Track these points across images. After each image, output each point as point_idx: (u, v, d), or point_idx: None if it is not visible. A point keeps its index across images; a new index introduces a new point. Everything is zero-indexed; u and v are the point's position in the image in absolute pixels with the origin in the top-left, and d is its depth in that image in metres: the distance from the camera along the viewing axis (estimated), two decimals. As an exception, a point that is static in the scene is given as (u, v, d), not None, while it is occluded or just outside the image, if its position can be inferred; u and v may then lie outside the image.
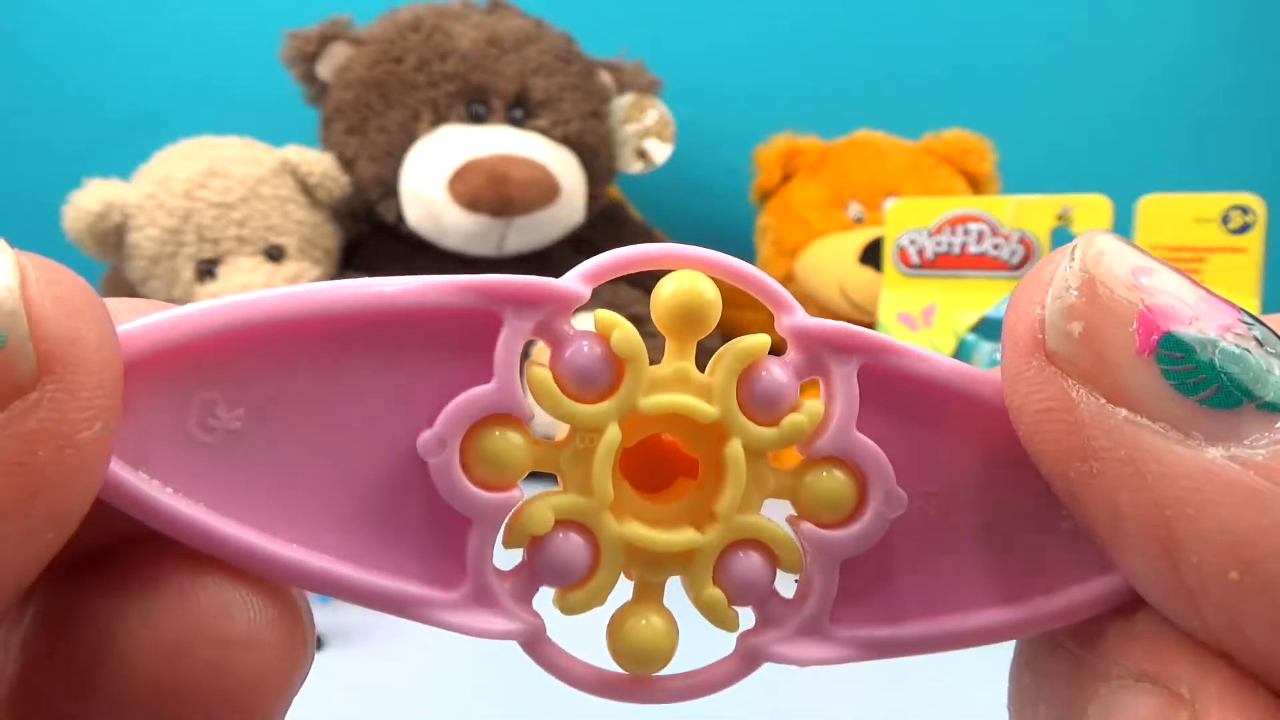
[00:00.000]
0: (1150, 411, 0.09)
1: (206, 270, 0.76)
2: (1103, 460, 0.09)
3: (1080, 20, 1.02)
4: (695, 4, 1.05)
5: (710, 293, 0.13)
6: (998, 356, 0.43)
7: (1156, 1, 1.01)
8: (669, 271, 0.12)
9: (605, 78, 0.89)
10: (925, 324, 0.53)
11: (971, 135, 0.89)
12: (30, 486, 0.08)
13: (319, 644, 0.44)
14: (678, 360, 0.13)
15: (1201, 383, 0.09)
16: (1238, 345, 0.09)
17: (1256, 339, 0.09)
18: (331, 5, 0.87)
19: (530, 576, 0.11)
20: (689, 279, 0.13)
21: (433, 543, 0.11)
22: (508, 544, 0.11)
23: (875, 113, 0.95)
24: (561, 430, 0.12)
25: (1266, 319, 0.10)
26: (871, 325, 0.57)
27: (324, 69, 0.84)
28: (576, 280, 0.12)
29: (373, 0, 0.87)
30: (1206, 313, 0.09)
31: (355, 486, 0.11)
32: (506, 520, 0.11)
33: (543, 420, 0.12)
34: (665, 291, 0.13)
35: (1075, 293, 0.10)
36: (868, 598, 0.12)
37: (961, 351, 0.53)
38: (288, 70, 0.84)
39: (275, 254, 0.77)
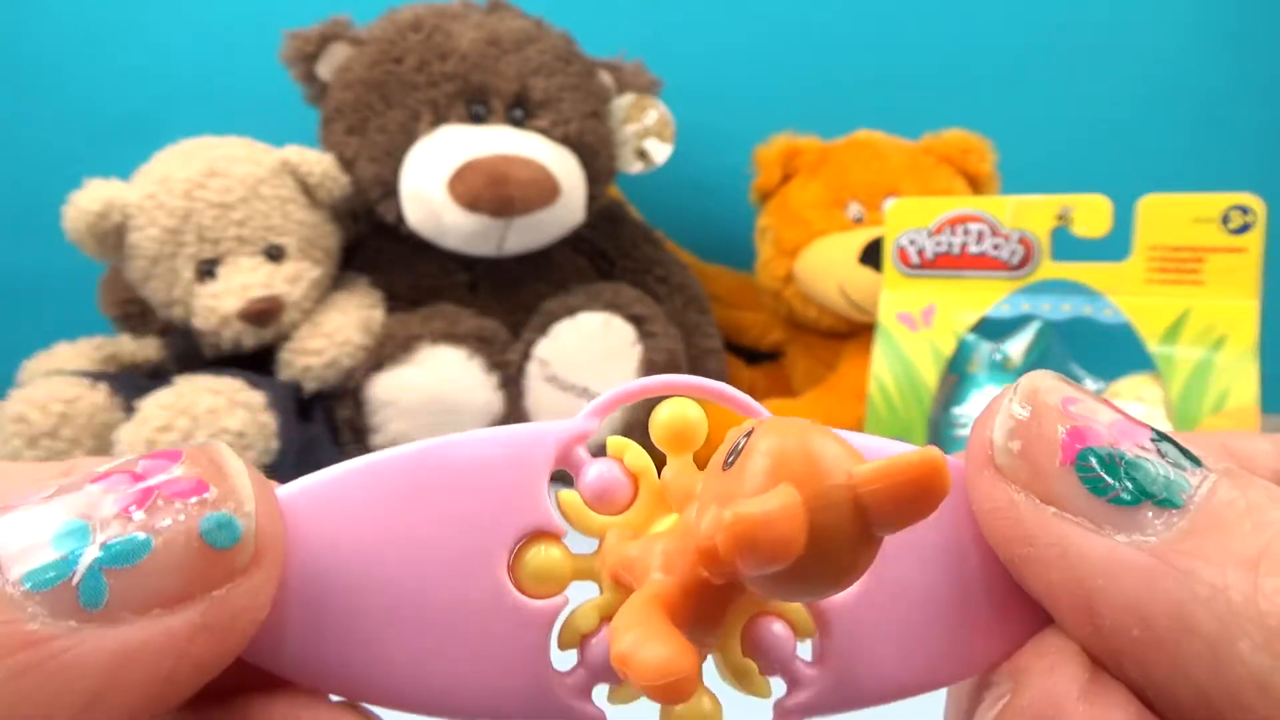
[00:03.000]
0: (1072, 509, 0.12)
1: (206, 270, 0.76)
2: (1038, 547, 0.12)
3: (1080, 20, 1.02)
4: (695, 4, 1.05)
5: (696, 415, 0.14)
6: (997, 357, 0.43)
7: (1156, 1, 1.01)
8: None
9: (605, 78, 0.89)
10: (925, 324, 0.53)
11: (971, 135, 0.88)
12: (225, 649, 0.10)
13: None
14: (678, 471, 0.14)
15: (1109, 486, 0.12)
16: (1139, 456, 0.12)
17: (1159, 451, 0.12)
18: (331, 5, 0.87)
19: (586, 674, 0.13)
20: (679, 406, 0.14)
21: (504, 652, 0.12)
22: (562, 646, 0.13)
23: (875, 113, 0.95)
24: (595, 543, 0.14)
25: (1180, 436, 0.12)
26: (872, 325, 0.57)
27: (324, 69, 0.84)
28: (586, 418, 0.14)
29: (373, 0, 0.87)
30: (1120, 433, 0.12)
31: (438, 617, 0.12)
32: (559, 625, 0.13)
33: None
34: (661, 417, 0.14)
35: (1016, 419, 0.13)
36: (877, 650, 0.13)
37: (962, 351, 0.53)
38: (288, 70, 0.84)
39: (275, 254, 0.77)
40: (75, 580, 0.09)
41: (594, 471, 0.13)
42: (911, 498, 0.10)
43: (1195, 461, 0.12)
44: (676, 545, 0.12)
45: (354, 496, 0.12)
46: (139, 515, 0.10)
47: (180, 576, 0.10)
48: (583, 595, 0.13)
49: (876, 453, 0.13)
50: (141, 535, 0.10)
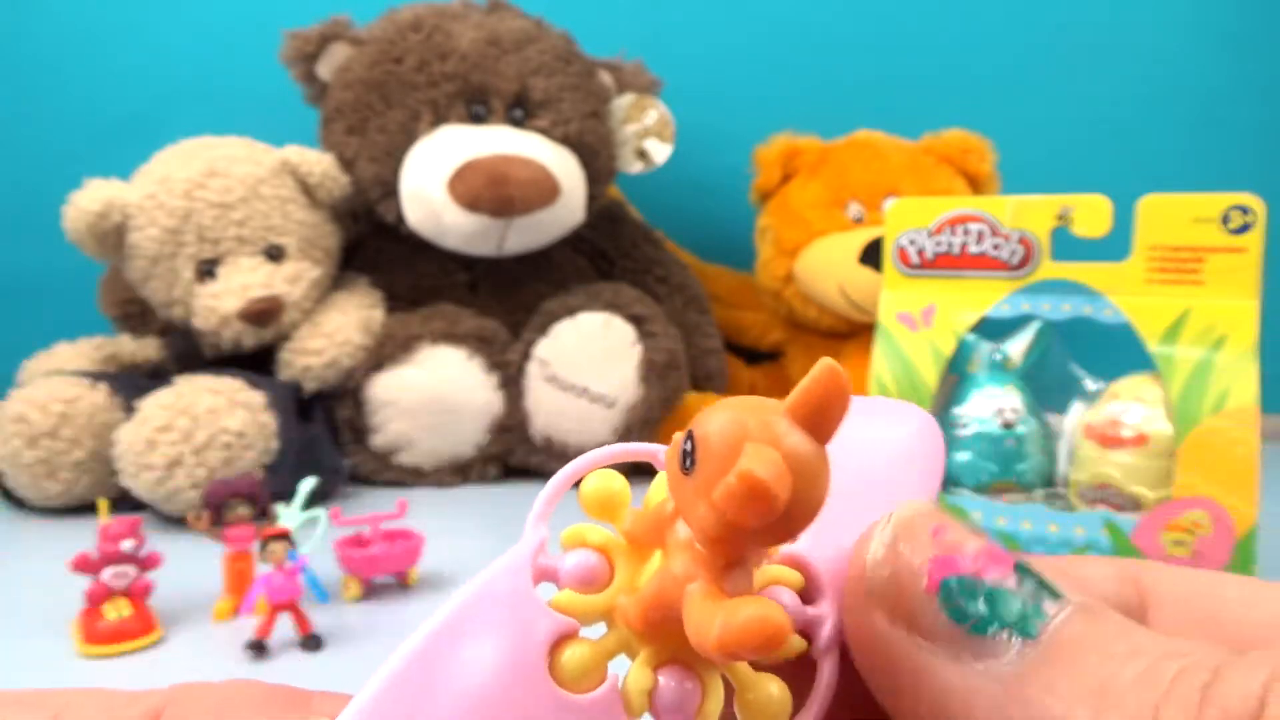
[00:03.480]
0: (934, 637, 0.12)
1: (207, 270, 0.76)
2: (901, 673, 0.12)
3: (1080, 20, 1.02)
4: (695, 4, 1.05)
5: (619, 484, 0.15)
6: (997, 357, 0.42)
7: (1156, 1, 1.01)
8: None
9: (605, 78, 0.89)
10: (925, 324, 0.53)
11: (971, 135, 0.88)
12: None
13: (319, 643, 0.44)
14: (635, 519, 0.15)
15: (968, 614, 0.12)
16: (999, 586, 0.12)
17: (1019, 581, 0.12)
18: (331, 5, 0.87)
19: None
20: (601, 478, 0.15)
21: None
22: (636, 714, 0.13)
23: (875, 113, 0.95)
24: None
25: (1043, 565, 0.13)
26: (872, 325, 0.57)
27: (324, 69, 0.84)
28: (534, 529, 0.15)
29: (373, 0, 0.87)
30: (984, 562, 0.12)
31: None
32: (622, 699, 0.13)
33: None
34: (586, 490, 0.15)
35: (886, 547, 0.13)
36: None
37: (961, 351, 0.53)
38: (288, 70, 0.84)
39: (275, 254, 0.77)
40: None
41: (569, 565, 0.14)
42: (832, 400, 0.11)
43: (1054, 594, 0.12)
44: (682, 558, 0.13)
45: (396, 713, 0.13)
46: None
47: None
48: (622, 668, 0.14)
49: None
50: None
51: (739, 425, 0.12)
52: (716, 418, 0.12)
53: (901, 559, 0.13)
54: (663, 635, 0.13)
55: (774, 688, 0.13)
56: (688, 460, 0.12)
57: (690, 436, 0.12)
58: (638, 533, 0.14)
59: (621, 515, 0.15)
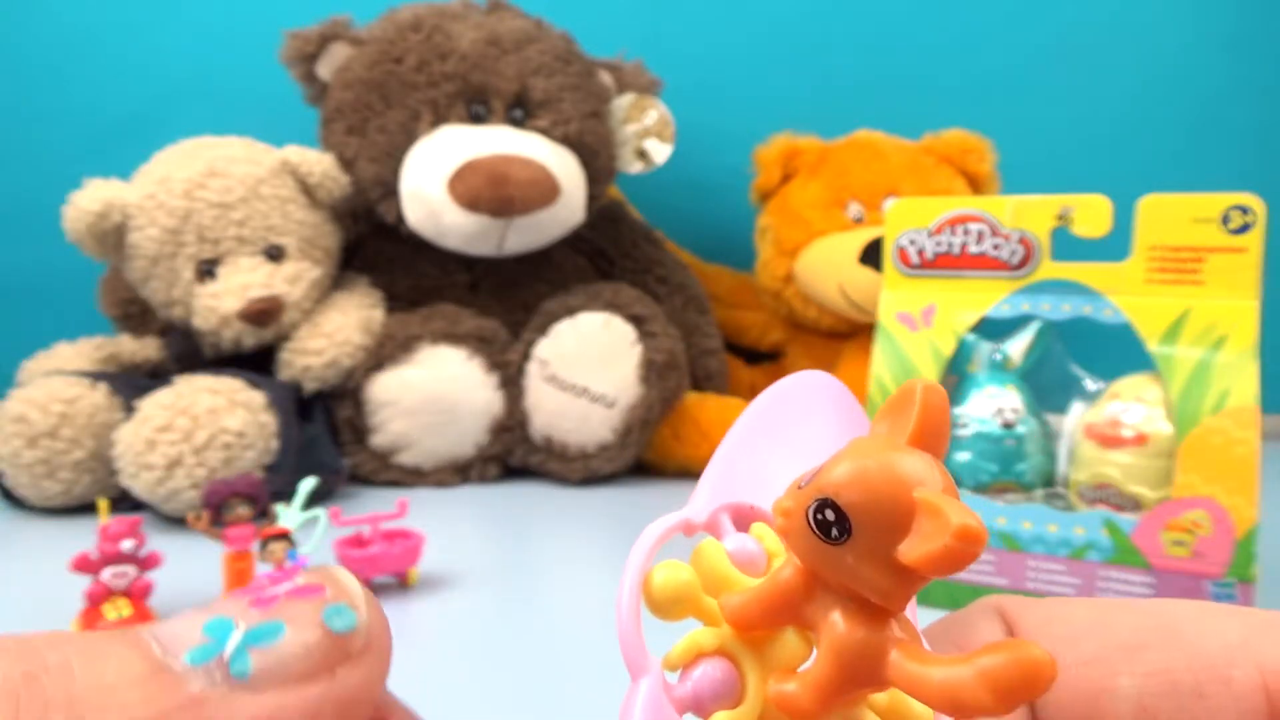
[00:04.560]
0: None
1: (206, 270, 0.76)
2: None
3: (1080, 21, 1.02)
4: (695, 4, 1.05)
5: (686, 575, 0.14)
6: (997, 357, 0.42)
7: (1156, 2, 1.01)
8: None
9: (605, 78, 0.89)
10: (925, 324, 0.53)
11: (971, 135, 0.88)
12: (344, 718, 0.12)
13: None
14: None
15: None
16: None
17: None
18: (331, 5, 0.87)
19: (691, 692, 0.14)
20: (667, 571, 0.14)
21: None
22: (674, 660, 0.13)
23: (875, 113, 0.95)
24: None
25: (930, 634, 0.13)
26: (872, 325, 0.57)
27: (324, 69, 0.84)
28: (645, 661, 0.13)
29: (373, 0, 0.87)
30: None
31: None
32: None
33: None
34: (657, 589, 0.14)
35: None
36: None
37: (962, 351, 0.53)
38: (288, 70, 0.84)
39: (275, 254, 0.77)
40: (226, 655, 0.11)
41: (703, 685, 0.13)
42: (944, 419, 0.12)
43: None
44: (851, 628, 0.12)
45: None
46: (273, 609, 0.12)
47: (308, 655, 0.12)
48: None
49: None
50: (276, 621, 0.12)
51: (893, 479, 0.11)
52: (859, 478, 0.11)
53: None
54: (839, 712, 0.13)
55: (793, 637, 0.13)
56: (836, 530, 0.11)
57: (831, 505, 0.11)
58: (750, 616, 0.13)
59: (701, 605, 0.14)
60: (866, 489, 0.11)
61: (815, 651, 0.12)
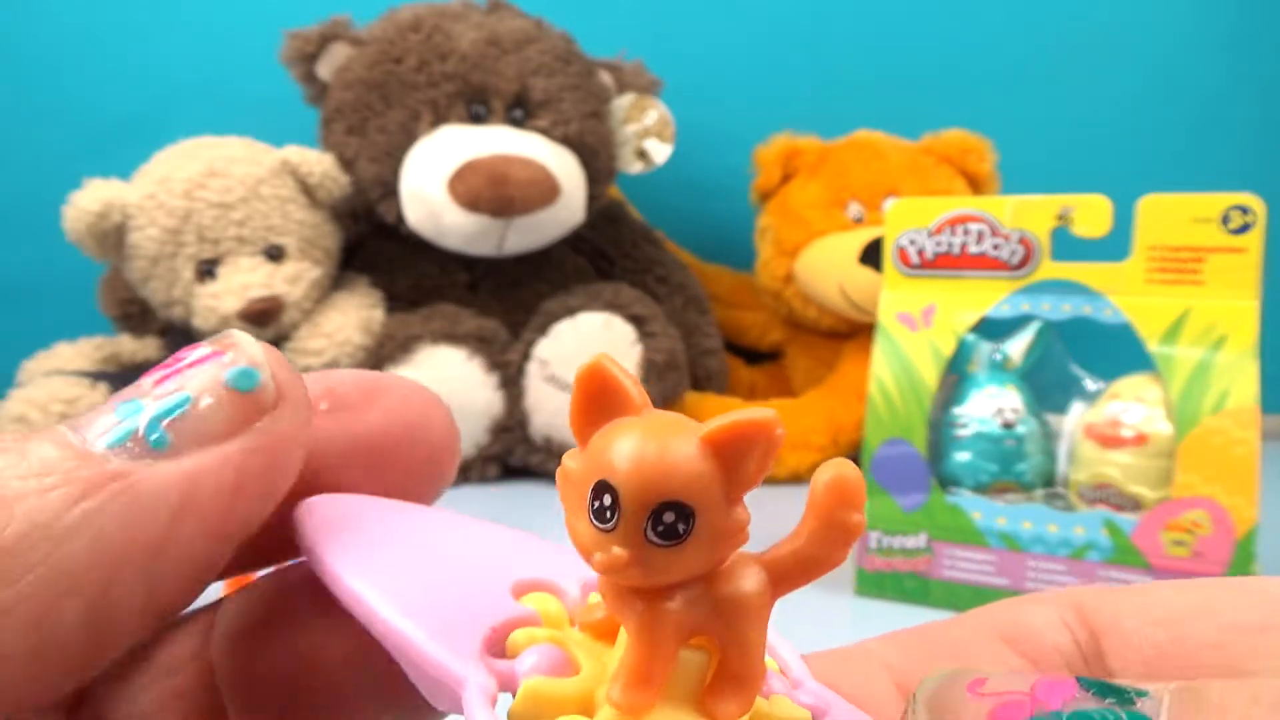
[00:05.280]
0: None
1: (206, 270, 0.76)
2: None
3: (1080, 20, 1.02)
4: (695, 4, 1.05)
5: (555, 606, 0.14)
6: (997, 357, 0.42)
7: (1156, 1, 1.01)
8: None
9: (605, 78, 0.89)
10: (925, 324, 0.53)
11: (971, 135, 0.88)
12: (271, 465, 0.13)
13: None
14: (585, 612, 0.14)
15: None
16: (1078, 709, 0.11)
17: (1095, 695, 0.11)
18: (331, 5, 0.87)
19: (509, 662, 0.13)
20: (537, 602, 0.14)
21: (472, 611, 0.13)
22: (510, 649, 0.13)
23: (875, 113, 0.95)
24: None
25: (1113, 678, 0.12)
26: (872, 325, 0.58)
27: (324, 69, 0.84)
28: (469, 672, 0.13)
29: (373, 0, 0.87)
30: (1047, 692, 0.11)
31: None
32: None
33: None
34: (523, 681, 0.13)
35: None
36: None
37: (961, 351, 0.53)
38: (288, 70, 0.84)
39: (275, 254, 0.77)
40: (140, 431, 0.12)
41: (529, 664, 0.12)
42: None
43: (1136, 692, 0.11)
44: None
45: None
46: (175, 382, 0.13)
47: (221, 416, 0.12)
48: None
49: None
50: (182, 394, 0.12)
51: (686, 447, 0.11)
52: (680, 465, 0.11)
53: None
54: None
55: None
56: (682, 525, 0.11)
57: (671, 506, 0.11)
58: (600, 624, 0.13)
59: (566, 628, 0.13)
60: (694, 474, 0.11)
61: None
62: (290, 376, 0.13)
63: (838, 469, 0.12)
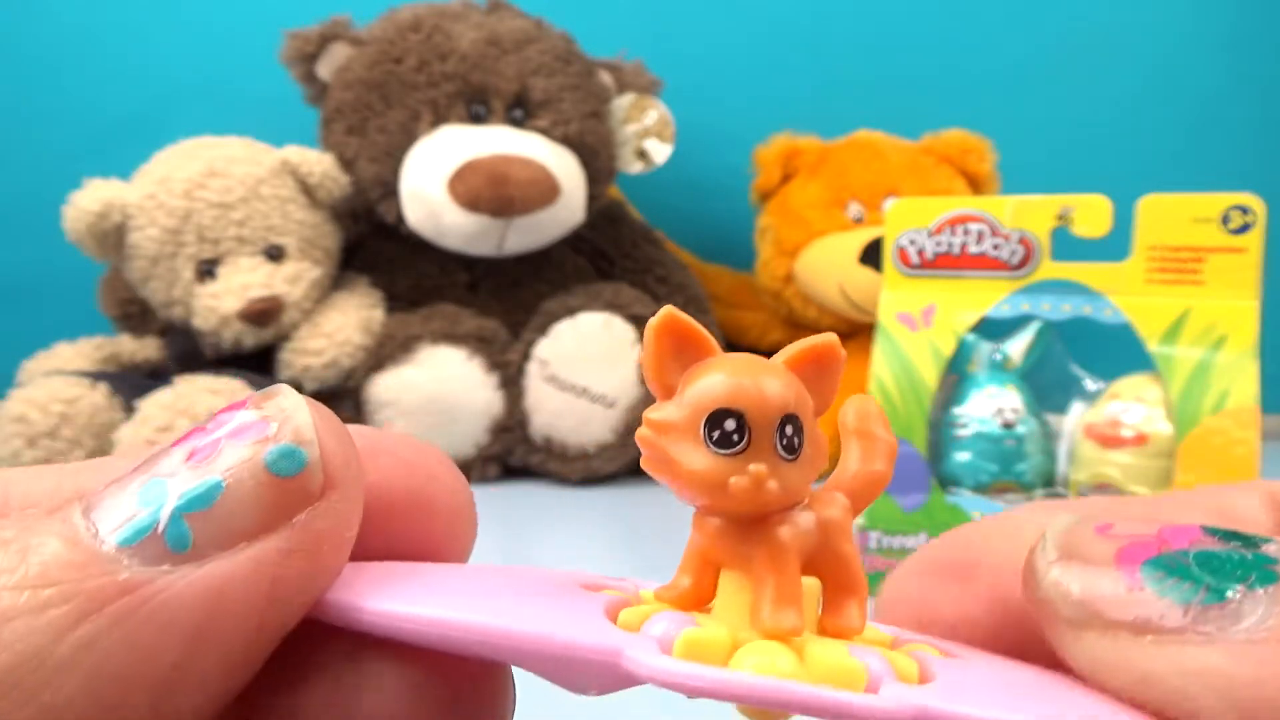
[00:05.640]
0: (1167, 629, 0.11)
1: (206, 270, 0.76)
2: (1162, 683, 0.10)
3: (1080, 20, 1.02)
4: (695, 4, 1.05)
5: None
6: (997, 357, 0.42)
7: (1156, 1, 1.01)
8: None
9: (605, 78, 0.88)
10: (925, 324, 0.53)
11: (971, 135, 0.88)
12: (316, 571, 0.11)
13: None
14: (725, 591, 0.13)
15: (1191, 589, 0.11)
16: (1202, 549, 0.11)
17: (1218, 539, 0.11)
18: (331, 5, 0.87)
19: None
20: None
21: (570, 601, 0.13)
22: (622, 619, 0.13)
23: (875, 113, 0.95)
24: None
25: (1171, 501, 0.12)
26: (872, 325, 0.58)
27: (324, 69, 0.84)
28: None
29: (373, 0, 0.87)
30: (1170, 535, 0.11)
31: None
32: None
33: None
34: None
35: (1059, 566, 0.12)
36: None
37: (961, 351, 0.53)
38: (288, 70, 0.84)
39: (275, 254, 0.77)
40: (160, 529, 0.10)
41: (661, 627, 0.12)
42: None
43: (1262, 539, 0.11)
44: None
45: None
46: (209, 463, 0.11)
47: (256, 508, 0.11)
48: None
49: None
50: (212, 479, 0.10)
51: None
52: (786, 387, 0.12)
53: (1084, 571, 0.11)
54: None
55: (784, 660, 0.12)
56: (798, 438, 0.12)
57: (790, 420, 0.12)
58: (685, 595, 0.13)
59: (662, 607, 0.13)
60: (799, 388, 0.12)
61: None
62: (343, 453, 0.11)
63: (860, 401, 0.14)
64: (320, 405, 0.12)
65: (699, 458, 0.12)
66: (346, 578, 0.12)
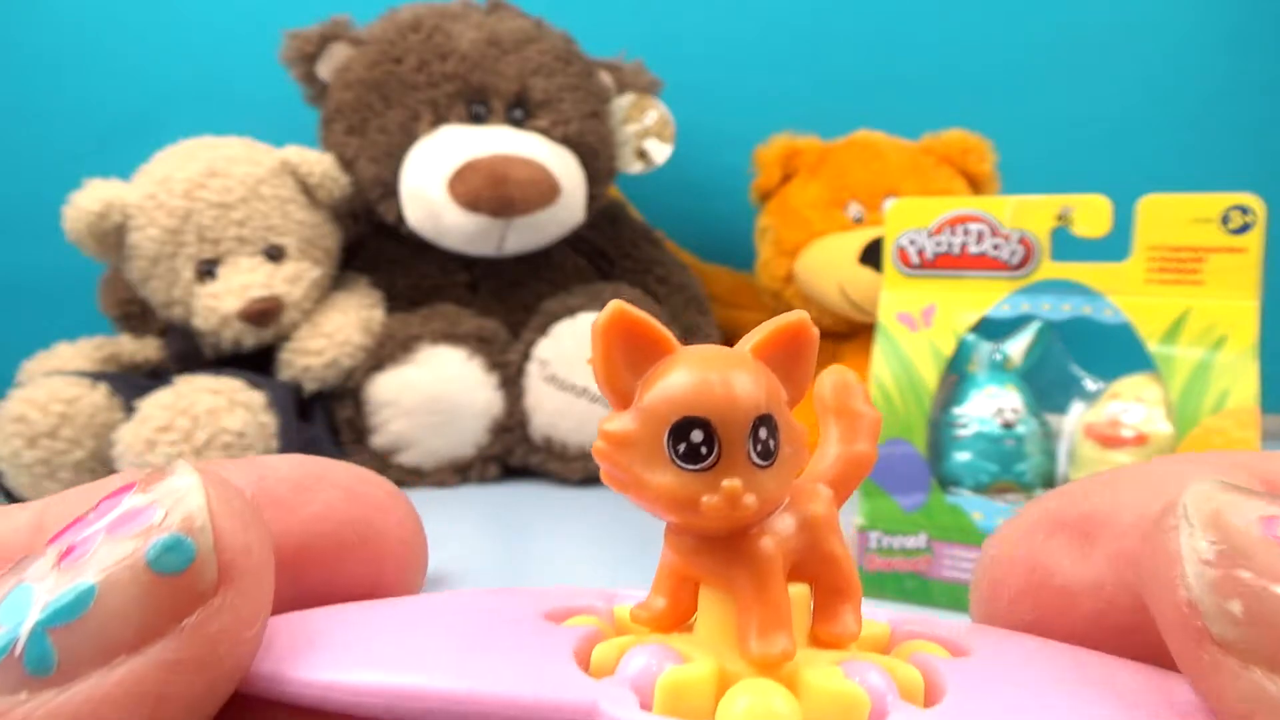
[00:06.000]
0: None
1: (206, 270, 0.76)
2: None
3: (1080, 20, 1.02)
4: (695, 4, 1.05)
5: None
6: (997, 357, 0.42)
7: (1156, 1, 1.01)
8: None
9: (605, 78, 0.89)
10: (925, 324, 0.53)
11: (971, 135, 0.88)
12: (212, 680, 0.09)
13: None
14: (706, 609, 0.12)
15: None
16: None
17: None
18: (331, 5, 0.87)
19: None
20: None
21: (534, 645, 0.11)
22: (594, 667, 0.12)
23: (875, 113, 0.95)
24: None
25: (1220, 461, 0.10)
26: (872, 325, 0.58)
27: (324, 69, 0.84)
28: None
29: (373, 0, 0.87)
30: None
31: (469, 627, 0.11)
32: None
33: None
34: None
35: (1214, 567, 0.09)
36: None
37: (961, 351, 0.53)
38: (288, 70, 0.84)
39: (275, 254, 0.77)
40: (18, 650, 0.09)
41: (639, 664, 0.11)
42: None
43: None
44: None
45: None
46: (81, 564, 0.09)
47: (136, 614, 0.09)
48: None
49: None
50: (83, 584, 0.09)
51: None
52: (762, 386, 0.10)
53: (1250, 582, 0.09)
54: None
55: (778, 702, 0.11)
56: (773, 441, 0.10)
57: (764, 422, 0.10)
58: (661, 615, 0.12)
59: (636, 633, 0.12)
60: (769, 384, 0.10)
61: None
62: (243, 537, 0.09)
63: (836, 373, 0.13)
64: (222, 480, 0.10)
65: (665, 476, 0.11)
66: (273, 634, 0.11)
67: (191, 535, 0.09)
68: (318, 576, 0.12)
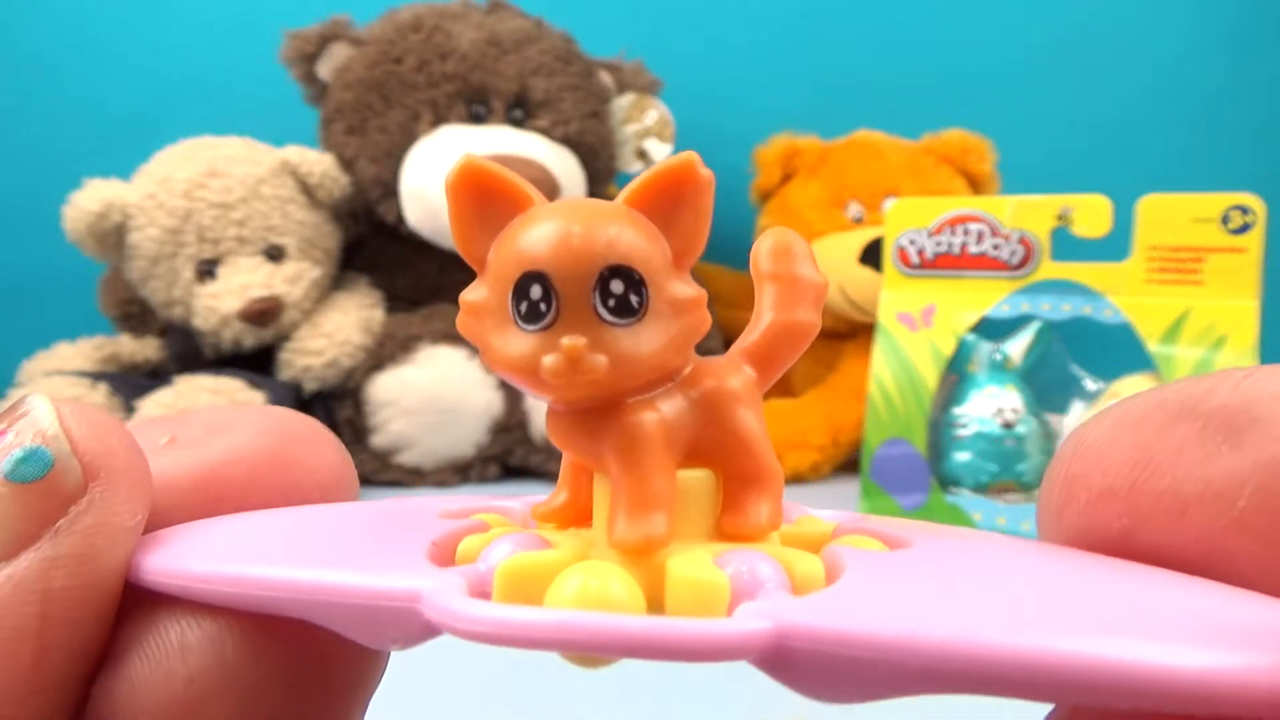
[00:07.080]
0: None
1: (206, 270, 0.76)
2: None
3: (1080, 20, 1.02)
4: (695, 4, 1.05)
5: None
6: (997, 357, 0.42)
7: (1156, 1, 1.01)
8: None
9: (605, 78, 0.89)
10: (925, 324, 0.53)
11: (971, 135, 0.89)
12: (96, 571, 0.10)
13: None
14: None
15: None
16: None
17: None
18: (331, 5, 0.87)
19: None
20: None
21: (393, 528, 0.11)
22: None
23: (875, 113, 0.95)
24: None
25: None
26: (872, 325, 0.58)
27: (324, 69, 0.84)
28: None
29: (373, 0, 0.87)
30: None
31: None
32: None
33: None
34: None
35: None
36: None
37: (961, 351, 0.53)
38: (288, 70, 0.84)
39: (275, 254, 0.77)
40: None
41: (500, 553, 0.10)
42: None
43: None
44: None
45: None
46: None
47: (9, 525, 0.10)
48: None
49: None
50: None
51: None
52: (630, 233, 0.09)
53: None
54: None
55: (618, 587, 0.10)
56: (636, 298, 0.09)
57: (619, 272, 0.09)
58: (561, 509, 0.11)
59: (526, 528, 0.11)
60: (630, 232, 0.09)
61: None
62: (101, 439, 0.10)
63: (776, 234, 0.11)
64: (78, 402, 0.11)
65: (509, 339, 0.10)
66: (174, 535, 0.11)
67: (46, 444, 0.10)
68: (232, 504, 0.12)
